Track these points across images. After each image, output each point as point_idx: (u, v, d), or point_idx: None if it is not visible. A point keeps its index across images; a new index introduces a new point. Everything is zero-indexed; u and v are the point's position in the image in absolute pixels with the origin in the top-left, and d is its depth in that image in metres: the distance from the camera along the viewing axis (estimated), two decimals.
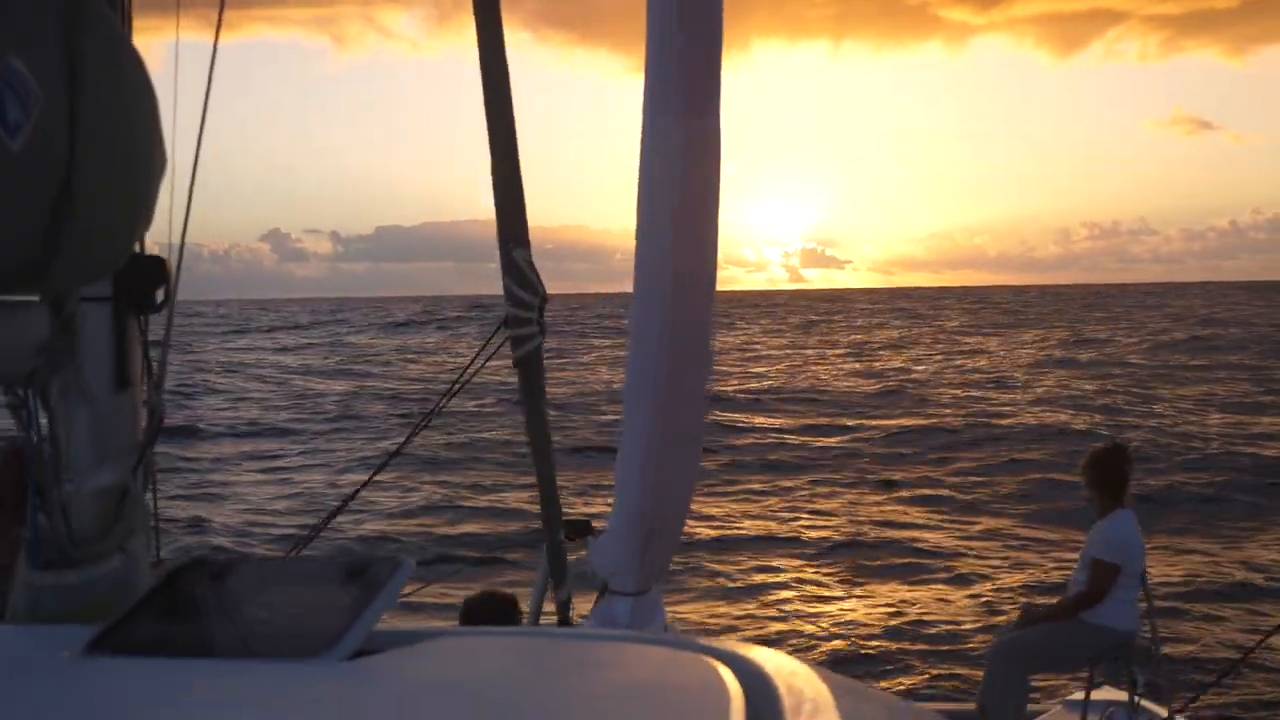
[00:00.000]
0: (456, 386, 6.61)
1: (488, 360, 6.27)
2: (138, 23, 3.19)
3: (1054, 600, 9.28)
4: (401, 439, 7.01)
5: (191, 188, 3.22)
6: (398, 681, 1.94)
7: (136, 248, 2.97)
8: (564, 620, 6.94)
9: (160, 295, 3.03)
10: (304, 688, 1.89)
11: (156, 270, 3.02)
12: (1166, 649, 8.91)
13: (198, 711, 1.82)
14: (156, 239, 3.08)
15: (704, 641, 2.06)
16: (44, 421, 2.88)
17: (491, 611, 5.44)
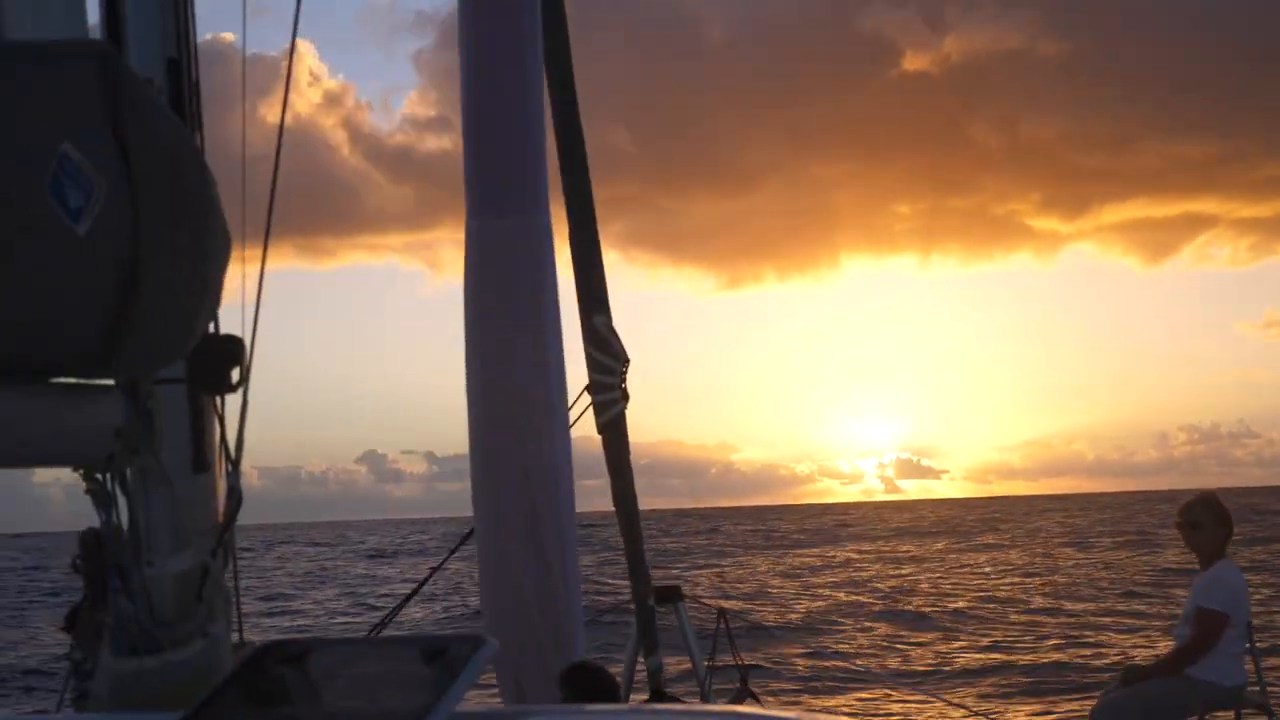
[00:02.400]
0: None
1: (571, 425, 6.25)
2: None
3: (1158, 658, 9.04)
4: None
5: (262, 272, 3.22)
6: None
7: (210, 328, 2.97)
8: (656, 688, 6.86)
9: (235, 375, 3.02)
10: None
11: (231, 350, 3.01)
12: (1275, 703, 8.62)
13: None
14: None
15: (792, 714, 1.99)
16: (123, 505, 2.87)
17: (586, 684, 5.37)
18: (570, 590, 4.96)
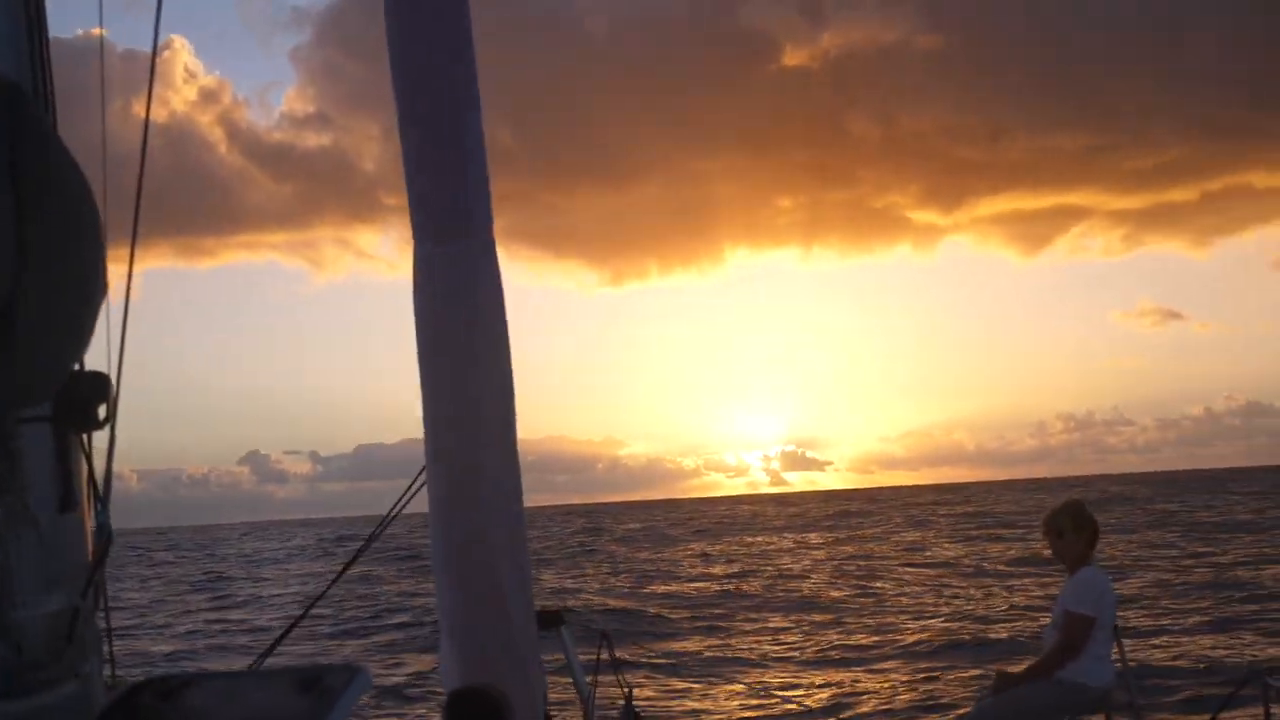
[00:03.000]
0: (398, 507, 6.56)
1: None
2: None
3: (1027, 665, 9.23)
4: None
5: (127, 301, 3.19)
6: None
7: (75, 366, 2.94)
8: (540, 714, 6.84)
9: (102, 412, 2.99)
10: None
11: (97, 387, 2.97)
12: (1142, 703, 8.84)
13: None
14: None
15: None
16: None
17: (476, 708, 5.34)
18: (527, 611, 4.97)
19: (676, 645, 21.06)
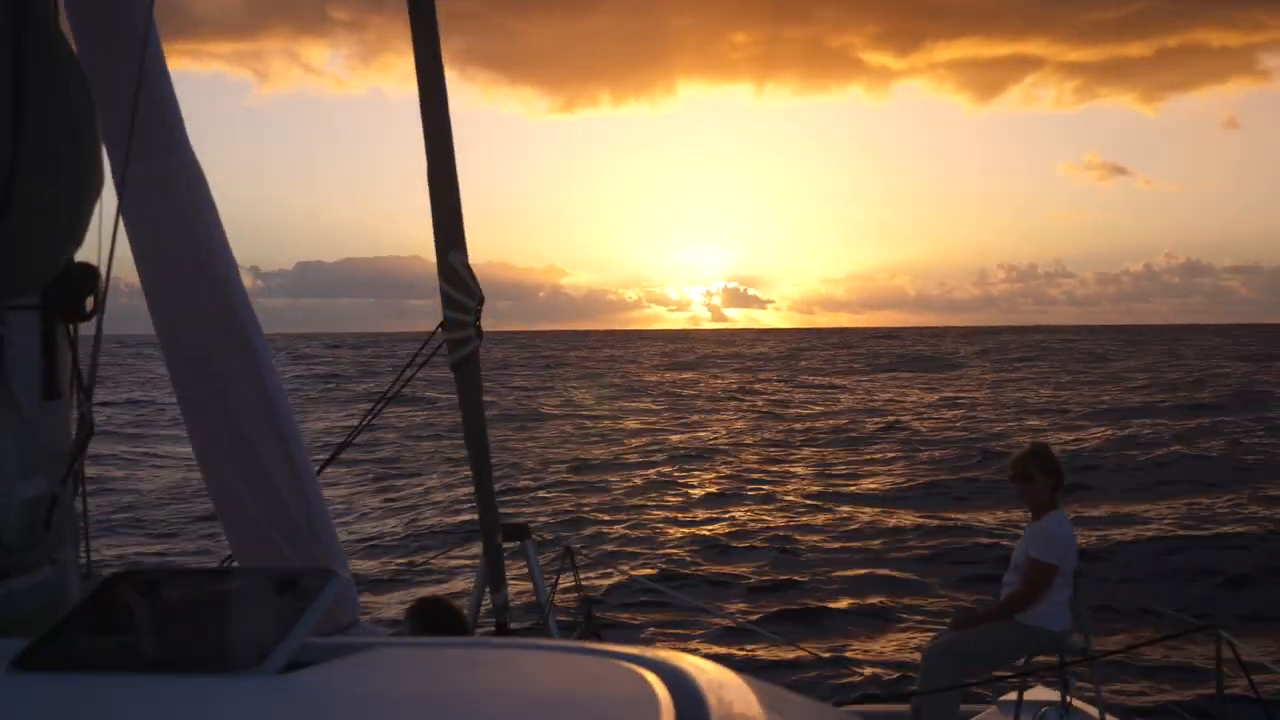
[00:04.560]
0: (393, 390, 6.59)
1: (424, 364, 6.26)
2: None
3: (987, 601, 9.34)
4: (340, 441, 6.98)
5: (120, 199, 3.20)
6: (329, 694, 1.93)
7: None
8: (501, 624, 6.93)
9: (90, 303, 3.00)
10: (235, 702, 1.88)
11: (86, 278, 2.99)
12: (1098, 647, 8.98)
13: None
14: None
15: (634, 650, 2.07)
16: None
17: (433, 618, 5.43)
18: (314, 519, 4.93)
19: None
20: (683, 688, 1.84)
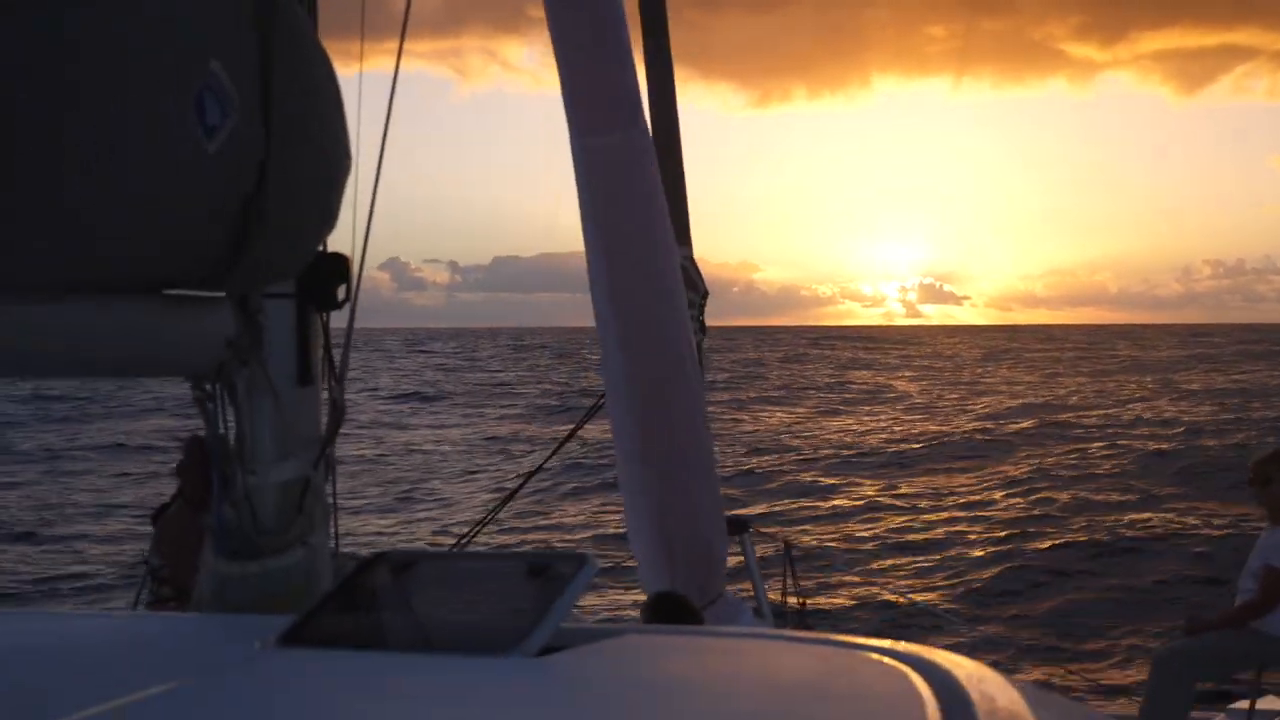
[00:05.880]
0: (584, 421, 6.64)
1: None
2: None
3: (1221, 609, 9.00)
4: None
5: (375, 190, 3.27)
6: (585, 678, 1.94)
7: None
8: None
9: (342, 293, 3.08)
10: (494, 683, 1.90)
11: (338, 268, 3.07)
12: None
13: (392, 705, 1.84)
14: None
15: (889, 644, 2.03)
16: (230, 415, 2.94)
17: (672, 611, 5.48)
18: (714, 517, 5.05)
19: None
20: (943, 683, 1.80)
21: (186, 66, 2.35)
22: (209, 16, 2.43)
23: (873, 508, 23.97)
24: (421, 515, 24.30)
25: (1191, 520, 21.01)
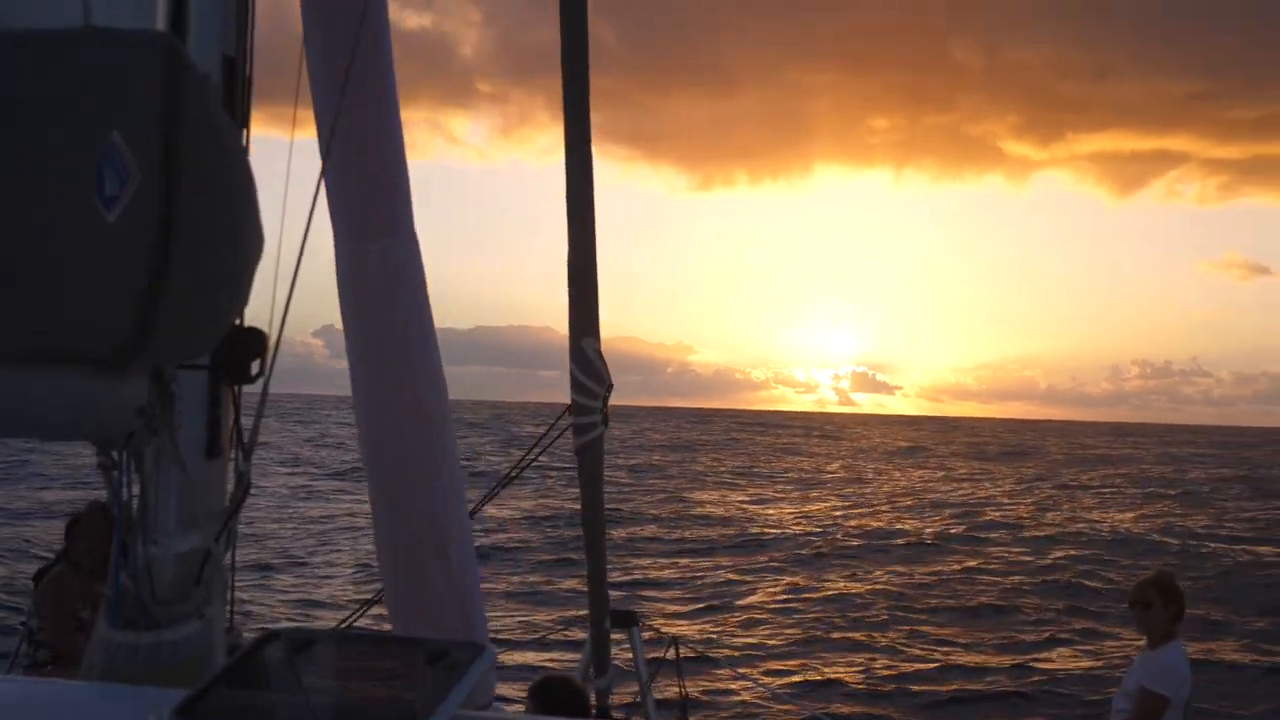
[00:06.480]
0: (515, 472, 6.66)
1: (547, 447, 6.31)
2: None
3: None
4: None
5: (297, 268, 3.29)
6: None
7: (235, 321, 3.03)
8: (603, 709, 6.93)
9: (256, 367, 3.09)
10: None
11: (253, 342, 3.08)
12: None
13: None
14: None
15: None
16: (134, 483, 2.93)
17: (564, 698, 5.46)
18: (472, 595, 4.98)
19: None
20: None
21: (86, 134, 2.35)
22: (111, 84, 2.42)
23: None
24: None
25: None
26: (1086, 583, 27.03)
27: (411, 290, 4.66)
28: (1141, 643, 8.41)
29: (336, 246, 4.58)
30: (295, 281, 3.25)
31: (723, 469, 70.40)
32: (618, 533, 33.13)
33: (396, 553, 4.87)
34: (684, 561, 30.13)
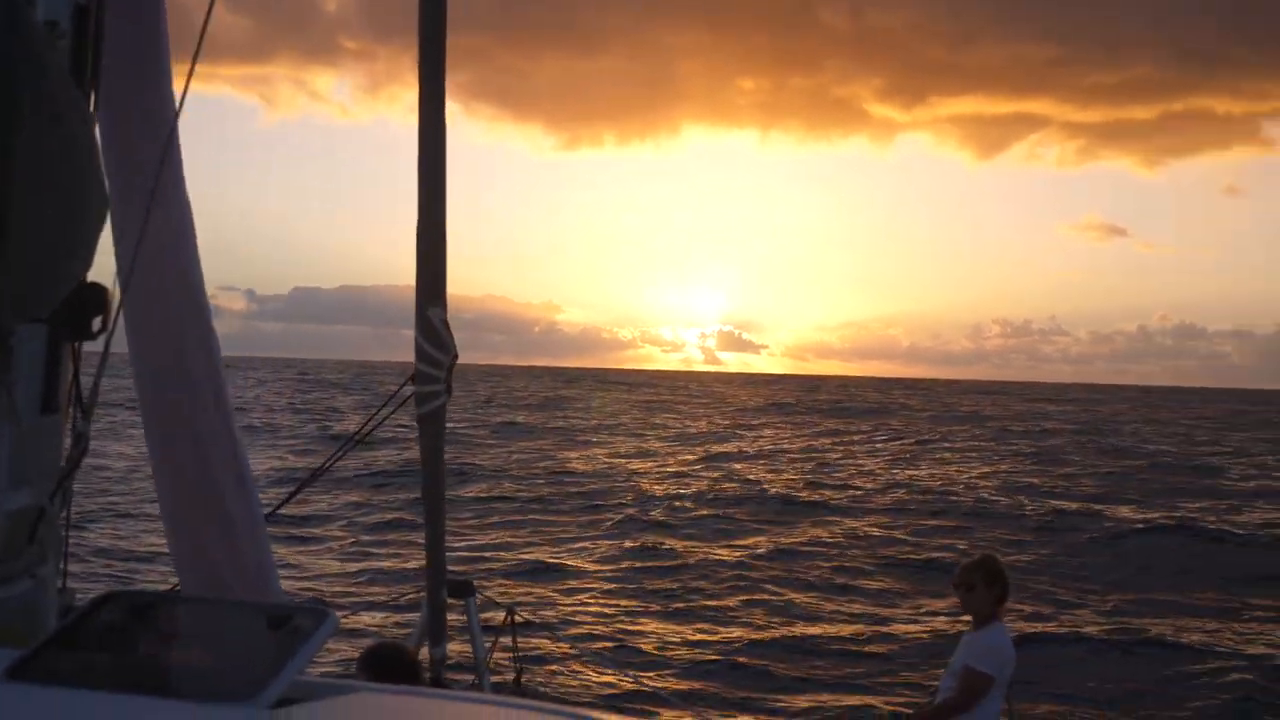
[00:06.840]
0: (358, 436, 6.59)
1: (391, 413, 6.27)
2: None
3: (921, 707, 9.36)
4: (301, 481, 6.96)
5: (145, 225, 3.22)
6: None
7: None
8: (438, 677, 6.91)
9: (97, 324, 3.01)
10: None
11: (95, 298, 3.00)
12: None
13: None
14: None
15: (566, 708, 2.13)
16: None
17: (395, 666, 5.41)
18: (264, 562, 4.95)
19: None
20: None
21: None
22: None
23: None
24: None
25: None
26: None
27: (177, 250, 4.59)
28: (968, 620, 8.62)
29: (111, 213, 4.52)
30: (143, 233, 3.18)
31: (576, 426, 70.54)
32: (469, 490, 33.23)
33: (176, 514, 4.82)
34: (533, 517, 30.29)
